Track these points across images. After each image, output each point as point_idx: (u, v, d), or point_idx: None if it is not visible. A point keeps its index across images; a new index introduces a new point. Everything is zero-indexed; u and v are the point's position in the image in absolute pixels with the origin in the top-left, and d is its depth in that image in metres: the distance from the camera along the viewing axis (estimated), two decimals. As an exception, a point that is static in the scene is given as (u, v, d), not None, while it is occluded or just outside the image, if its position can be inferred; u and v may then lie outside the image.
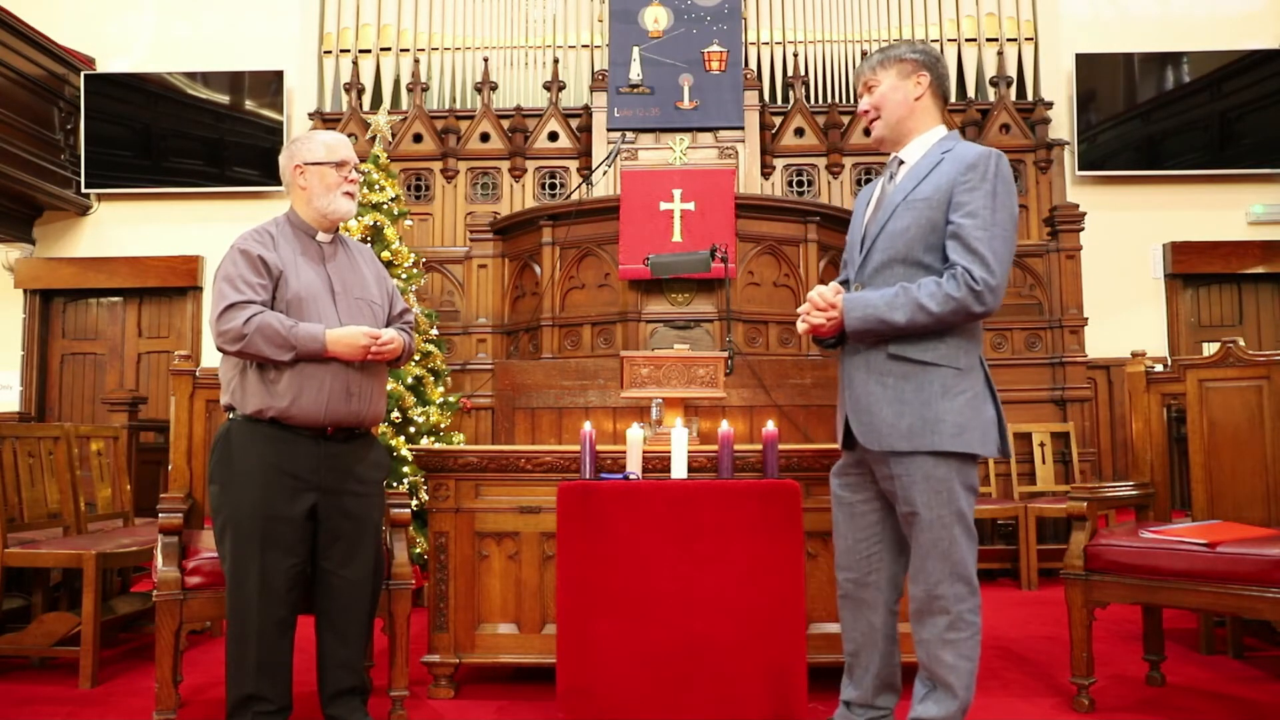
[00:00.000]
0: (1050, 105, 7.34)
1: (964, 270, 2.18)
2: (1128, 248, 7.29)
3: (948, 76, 2.42)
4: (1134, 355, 3.41)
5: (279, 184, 2.73)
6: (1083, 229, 5.76)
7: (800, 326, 2.36)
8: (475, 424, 5.38)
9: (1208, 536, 2.73)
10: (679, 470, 2.77)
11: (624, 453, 2.93)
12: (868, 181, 2.53)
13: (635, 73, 7.16)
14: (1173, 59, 7.34)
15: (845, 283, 2.44)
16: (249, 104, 7.53)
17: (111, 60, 7.70)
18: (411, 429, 4.42)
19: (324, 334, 2.47)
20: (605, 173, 6.71)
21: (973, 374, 2.28)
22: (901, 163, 2.39)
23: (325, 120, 7.36)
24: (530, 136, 7.42)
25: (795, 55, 7.48)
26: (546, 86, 7.47)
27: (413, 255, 4.76)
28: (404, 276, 4.65)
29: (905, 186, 2.32)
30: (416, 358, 4.54)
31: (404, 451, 4.25)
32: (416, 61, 7.56)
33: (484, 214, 6.27)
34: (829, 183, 7.32)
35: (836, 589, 2.49)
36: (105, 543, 3.50)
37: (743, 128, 7.14)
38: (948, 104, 2.44)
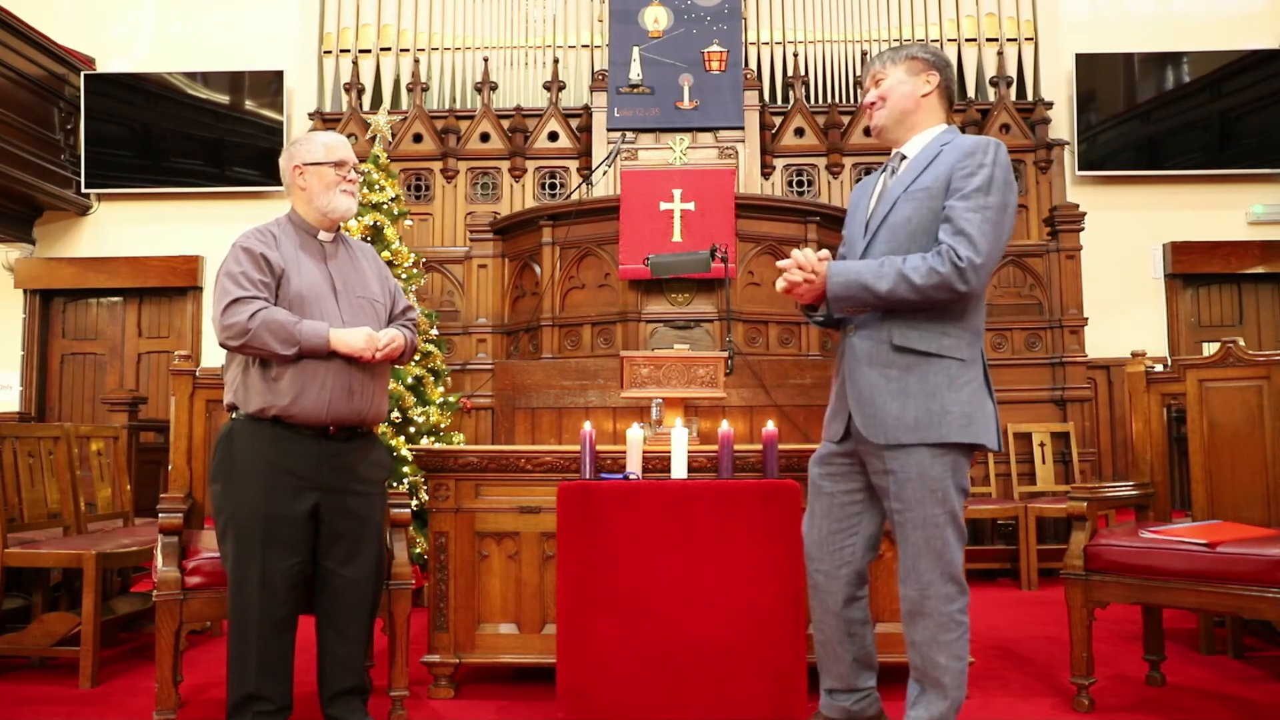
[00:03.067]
0: (1050, 105, 7.34)
1: (949, 248, 2.18)
2: (1128, 248, 7.29)
3: (955, 81, 2.43)
4: (1134, 355, 3.41)
5: (279, 184, 2.74)
6: (1083, 229, 5.77)
7: (779, 284, 2.34)
8: (475, 424, 5.38)
9: (1208, 536, 2.73)
10: (679, 470, 2.77)
11: (624, 453, 2.93)
12: (869, 181, 2.52)
13: (635, 73, 7.16)
14: (1173, 59, 7.34)
15: None
16: (249, 104, 7.53)
17: (111, 60, 7.70)
18: (411, 429, 4.42)
19: (328, 330, 2.47)
20: (605, 173, 6.71)
21: (975, 366, 2.28)
22: (904, 158, 2.40)
23: (325, 120, 7.36)
24: (530, 136, 7.42)
25: (795, 55, 7.47)
26: (546, 86, 7.47)
27: (413, 255, 4.76)
28: (404, 276, 4.65)
29: (905, 179, 2.33)
30: (416, 358, 4.54)
31: (404, 451, 4.25)
32: (416, 61, 7.55)
33: (484, 214, 6.27)
34: (829, 183, 7.31)
35: (807, 579, 2.48)
36: (105, 543, 3.50)
37: (743, 128, 7.13)
38: (953, 107, 2.45)
